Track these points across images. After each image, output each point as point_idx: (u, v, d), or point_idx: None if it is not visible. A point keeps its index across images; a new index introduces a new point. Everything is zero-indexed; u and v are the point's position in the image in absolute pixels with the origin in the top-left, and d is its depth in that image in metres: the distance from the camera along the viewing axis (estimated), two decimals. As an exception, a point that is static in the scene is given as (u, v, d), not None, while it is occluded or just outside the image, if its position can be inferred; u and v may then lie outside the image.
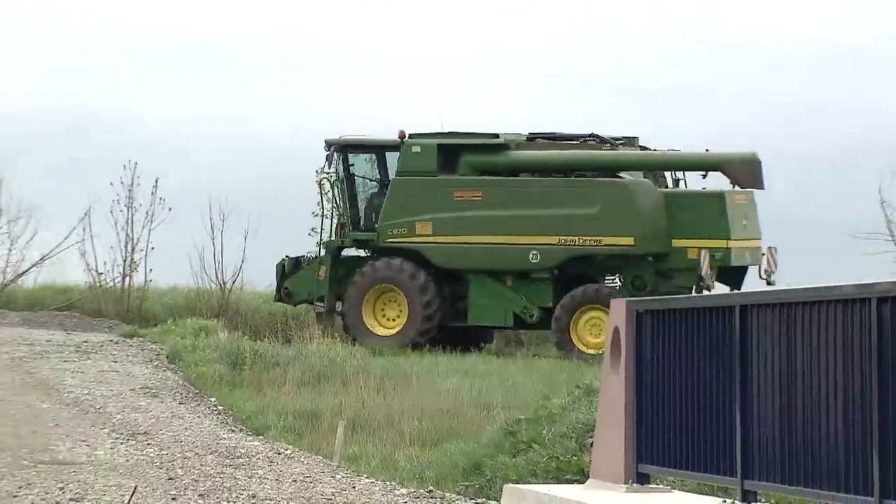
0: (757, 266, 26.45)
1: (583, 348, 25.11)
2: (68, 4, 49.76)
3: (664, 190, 26.44)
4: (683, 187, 27.10)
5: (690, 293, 24.24)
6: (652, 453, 9.92)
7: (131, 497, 10.76)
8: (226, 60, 50.92)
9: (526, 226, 25.87)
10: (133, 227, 31.93)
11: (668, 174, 27.20)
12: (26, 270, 33.21)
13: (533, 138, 27.00)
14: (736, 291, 23.66)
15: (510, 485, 11.18)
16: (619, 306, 10.30)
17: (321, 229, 27.40)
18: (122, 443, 14.49)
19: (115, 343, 22.39)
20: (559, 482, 12.08)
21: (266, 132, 48.21)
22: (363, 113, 47.13)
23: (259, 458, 14.12)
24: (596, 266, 26.11)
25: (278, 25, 50.35)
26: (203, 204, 32.20)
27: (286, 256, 27.62)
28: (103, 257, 32.09)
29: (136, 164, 32.00)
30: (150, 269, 32.15)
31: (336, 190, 27.16)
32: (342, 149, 27.21)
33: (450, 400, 18.48)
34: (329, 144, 27.02)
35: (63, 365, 19.68)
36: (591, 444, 11.47)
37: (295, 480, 13.01)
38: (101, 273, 31.82)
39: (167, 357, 21.43)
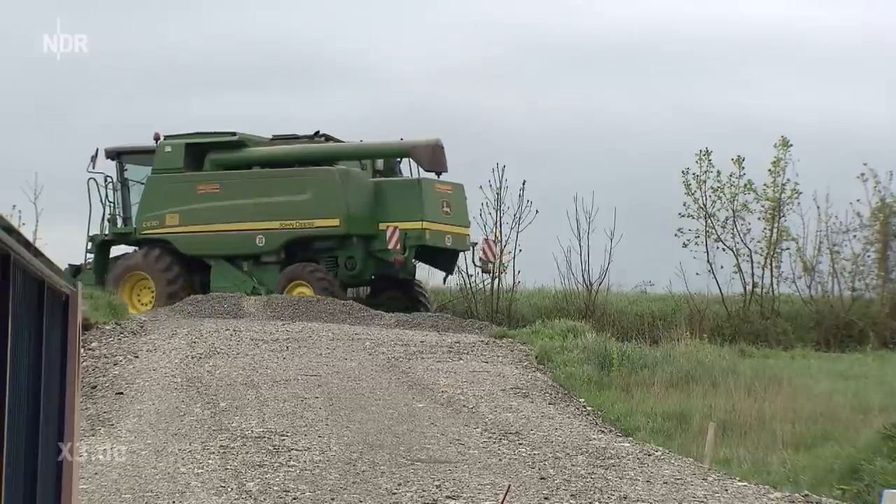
0: (468, 252, 29.32)
1: None
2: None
3: (375, 179, 29.14)
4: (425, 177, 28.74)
5: (395, 269, 28.30)
6: None
7: (505, 496, 10.90)
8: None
9: (253, 213, 28.83)
10: (501, 229, 32.46)
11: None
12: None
13: (276, 138, 29.94)
14: None
15: (890, 490, 10.84)
16: None
17: (88, 225, 30.40)
18: (494, 442, 14.71)
19: (486, 344, 22.71)
20: (942, 489, 11.63)
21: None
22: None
23: (629, 460, 14.10)
24: (314, 248, 28.81)
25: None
26: (569, 204, 32.52)
27: (69, 265, 30.19)
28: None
29: (503, 167, 32.61)
30: (519, 271, 32.65)
31: (108, 190, 30.21)
32: (117, 155, 30.37)
33: (823, 403, 18.06)
34: (106, 152, 30.11)
35: (437, 365, 20.10)
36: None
37: (666, 482, 12.93)
38: (471, 275, 32.47)
39: (536, 358, 21.64)
